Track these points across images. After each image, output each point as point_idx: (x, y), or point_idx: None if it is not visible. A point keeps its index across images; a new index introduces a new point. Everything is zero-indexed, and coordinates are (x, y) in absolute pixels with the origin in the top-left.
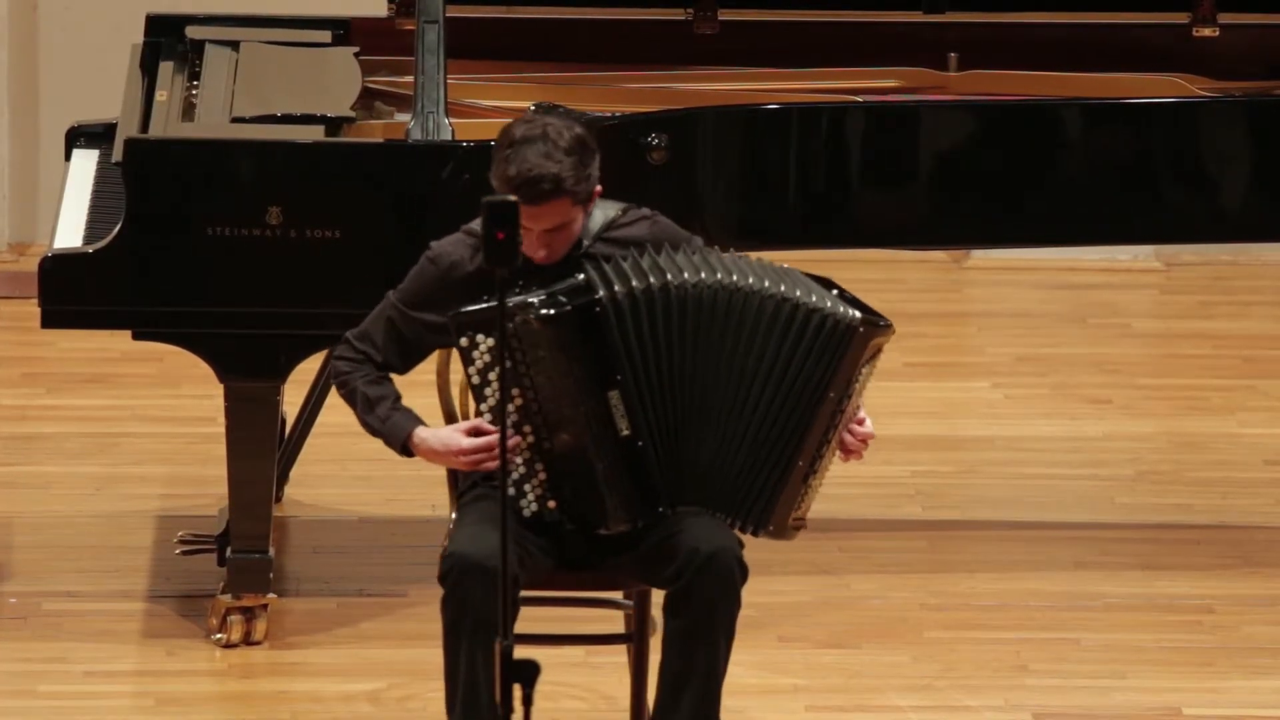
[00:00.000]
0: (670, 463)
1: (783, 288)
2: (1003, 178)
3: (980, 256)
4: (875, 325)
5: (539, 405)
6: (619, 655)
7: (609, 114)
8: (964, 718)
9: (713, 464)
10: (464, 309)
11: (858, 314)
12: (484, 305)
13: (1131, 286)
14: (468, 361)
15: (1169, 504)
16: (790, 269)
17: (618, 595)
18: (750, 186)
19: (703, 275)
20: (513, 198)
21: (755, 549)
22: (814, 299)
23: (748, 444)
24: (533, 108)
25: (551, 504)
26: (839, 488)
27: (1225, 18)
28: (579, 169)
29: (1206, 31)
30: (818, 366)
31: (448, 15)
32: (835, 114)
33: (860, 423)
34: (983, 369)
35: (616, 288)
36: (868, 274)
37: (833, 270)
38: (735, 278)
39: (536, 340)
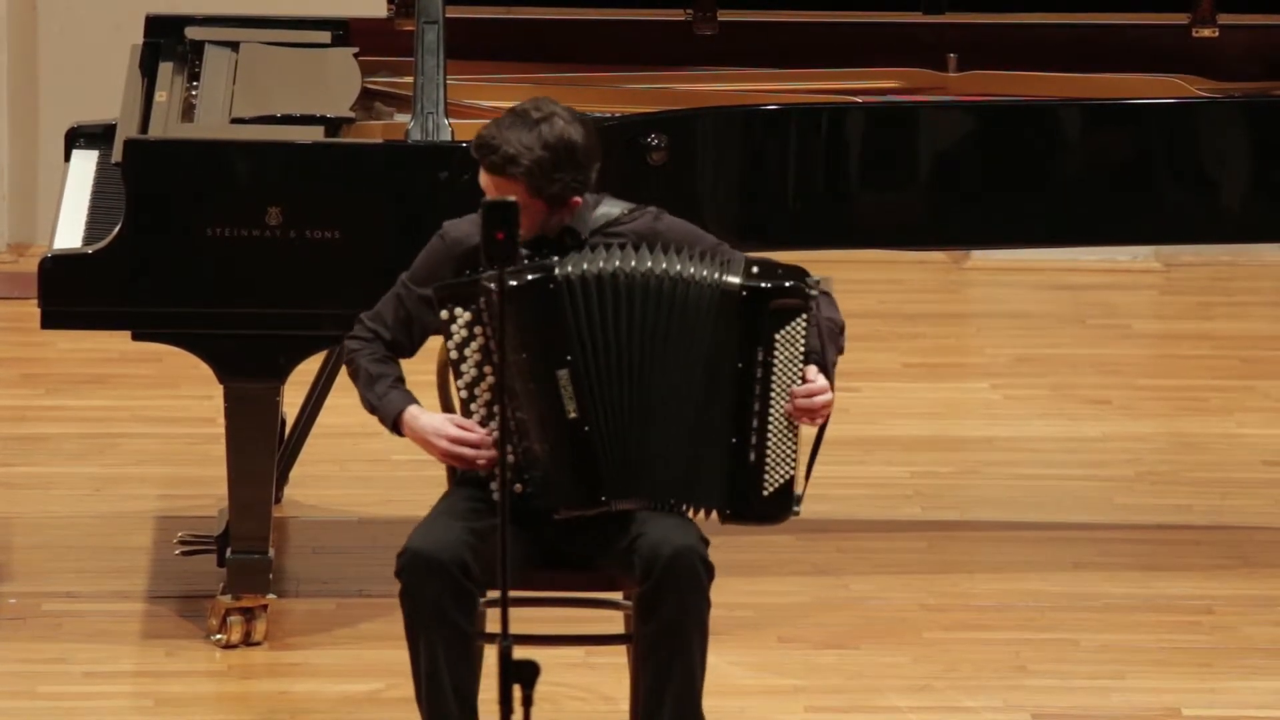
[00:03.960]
0: (617, 450)
1: (709, 272)
2: (1003, 178)
3: (979, 257)
4: (760, 289)
5: (505, 383)
6: (619, 655)
7: (609, 114)
8: (963, 718)
9: (658, 452)
10: (446, 282)
11: (736, 280)
12: (465, 278)
13: (1131, 287)
14: (447, 335)
15: (1168, 504)
16: (737, 254)
17: (618, 595)
18: (750, 187)
19: (650, 264)
20: (512, 198)
21: (752, 549)
22: (718, 275)
23: (683, 428)
24: None
25: (517, 487)
26: (838, 488)
27: (1225, 18)
28: (545, 166)
29: (1206, 32)
30: (716, 337)
31: (447, 15)
32: (835, 114)
33: (806, 381)
34: (982, 369)
35: (570, 268)
36: (868, 274)
37: (833, 270)
38: (679, 267)
39: (497, 312)
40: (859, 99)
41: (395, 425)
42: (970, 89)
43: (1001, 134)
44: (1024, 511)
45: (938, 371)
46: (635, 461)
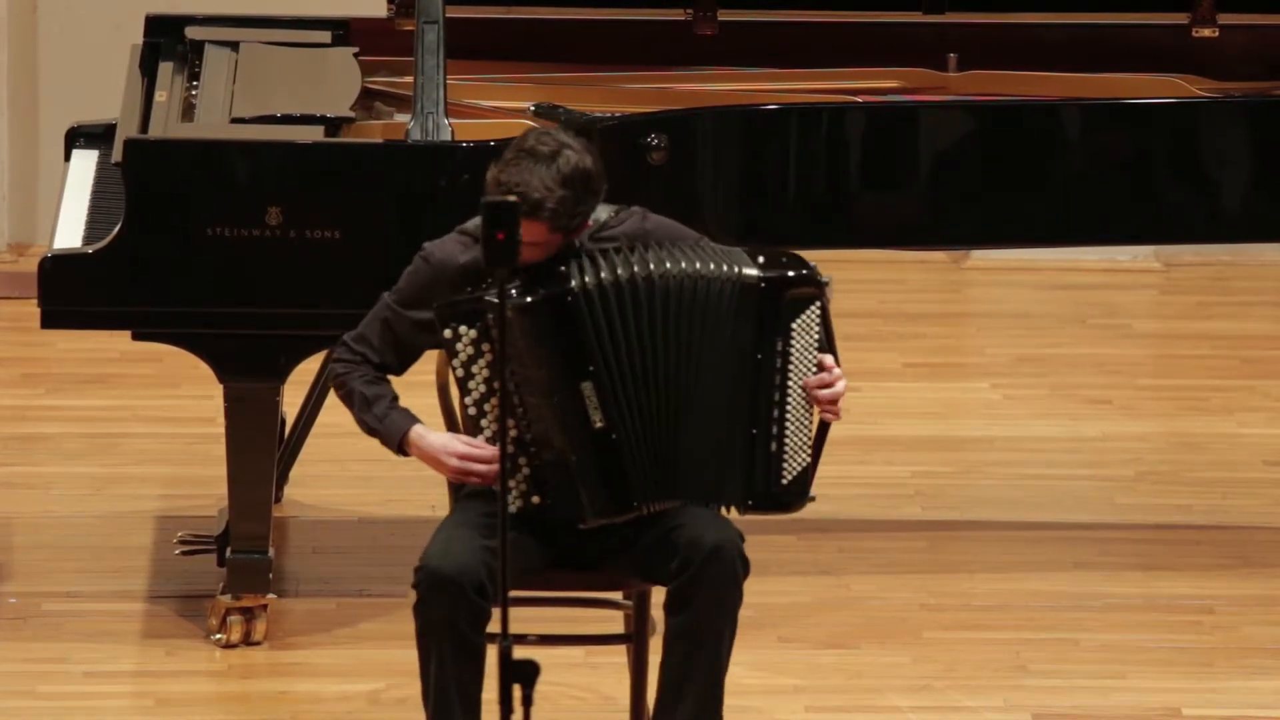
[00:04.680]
0: (646, 455)
1: (725, 267)
2: (1003, 178)
3: (980, 257)
4: (777, 279)
5: (520, 398)
6: (619, 655)
7: (609, 114)
8: (964, 718)
9: (686, 451)
10: (448, 300)
11: (753, 272)
12: (467, 296)
13: (1131, 287)
14: (452, 354)
15: (1169, 504)
16: (731, 247)
17: (618, 595)
18: (750, 187)
19: (668, 265)
20: (512, 197)
21: (753, 549)
22: (732, 269)
23: (708, 424)
24: (532, 108)
25: (535, 499)
26: (839, 488)
27: (1225, 18)
28: (567, 203)
29: (1206, 31)
30: (735, 331)
31: (447, 15)
32: (835, 114)
33: (828, 370)
34: (982, 369)
35: (588, 279)
36: (868, 274)
37: (833, 270)
38: (697, 265)
39: (512, 330)
40: (859, 99)
41: (400, 446)
42: (970, 89)
43: (1001, 134)
44: (1024, 511)
45: (938, 371)
46: (665, 463)
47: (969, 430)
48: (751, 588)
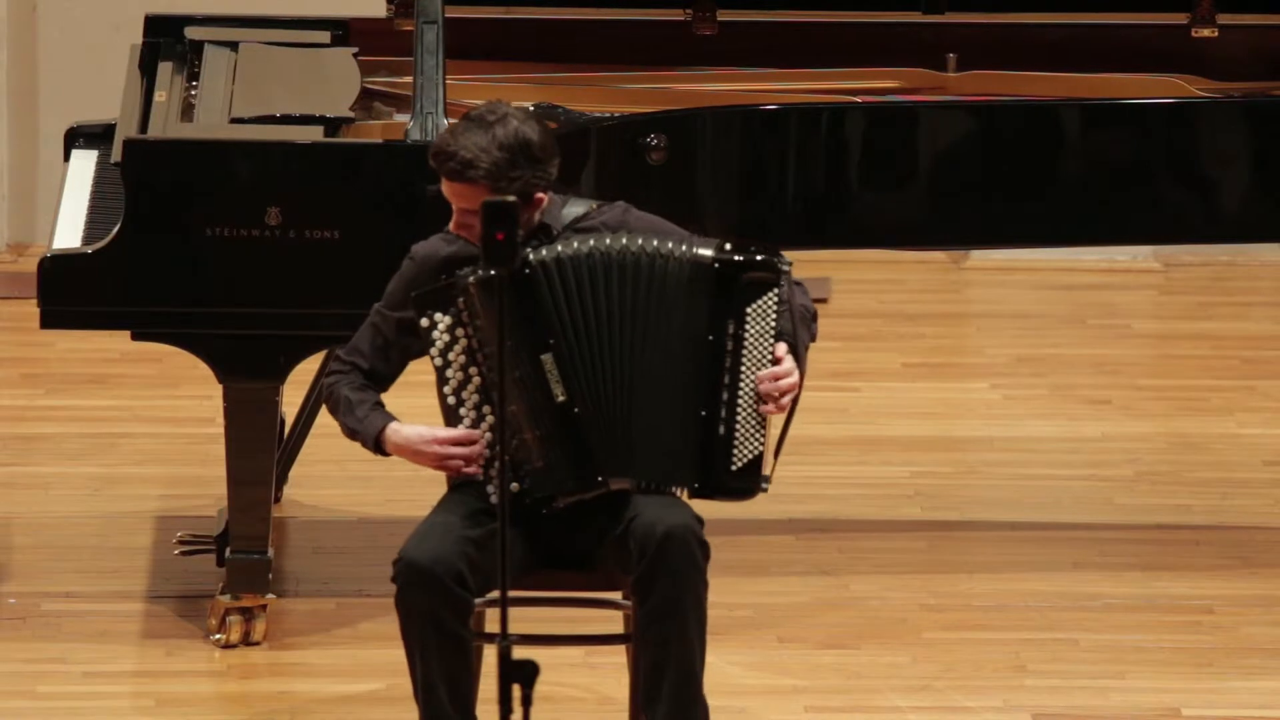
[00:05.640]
0: (606, 428)
1: (684, 247)
2: (1002, 178)
3: (979, 257)
4: (732, 261)
5: (493, 379)
6: (618, 655)
7: (609, 114)
8: (963, 718)
9: (643, 428)
10: (421, 289)
11: (709, 253)
12: (439, 283)
13: (1130, 287)
14: (429, 343)
15: (1168, 504)
16: (712, 239)
17: (617, 595)
18: (749, 187)
19: (625, 242)
20: (511, 198)
21: (753, 549)
22: (690, 249)
23: (663, 403)
24: (532, 108)
25: (514, 485)
26: (838, 488)
27: (1225, 18)
28: (503, 167)
29: (1206, 32)
30: (689, 311)
31: (447, 15)
32: (835, 114)
33: (777, 362)
34: (982, 369)
35: (545, 252)
36: (868, 274)
37: (833, 270)
38: (656, 244)
39: (476, 309)
40: (859, 99)
41: (378, 443)
42: (970, 89)
43: (1001, 134)
44: (1024, 511)
45: (938, 371)
46: (624, 438)
47: (969, 430)
48: (751, 588)
